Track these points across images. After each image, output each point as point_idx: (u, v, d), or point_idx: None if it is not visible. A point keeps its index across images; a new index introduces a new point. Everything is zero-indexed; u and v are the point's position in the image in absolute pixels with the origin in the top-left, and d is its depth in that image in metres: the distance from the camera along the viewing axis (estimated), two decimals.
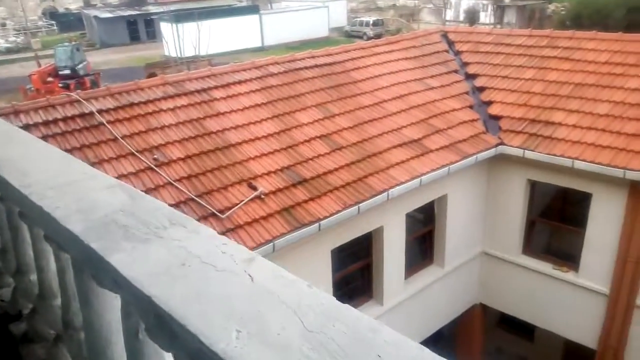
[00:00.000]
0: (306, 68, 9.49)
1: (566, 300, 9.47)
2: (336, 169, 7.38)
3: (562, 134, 8.77)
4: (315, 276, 7.12)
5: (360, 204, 6.92)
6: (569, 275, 9.35)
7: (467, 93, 10.44)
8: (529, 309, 10.16)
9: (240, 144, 7.49)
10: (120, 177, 6.26)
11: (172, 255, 1.24)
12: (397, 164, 7.84)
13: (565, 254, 9.45)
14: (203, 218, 6.19)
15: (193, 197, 6.45)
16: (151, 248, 1.28)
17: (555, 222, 9.64)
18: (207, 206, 6.37)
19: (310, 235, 6.48)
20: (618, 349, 9.01)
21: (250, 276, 1.16)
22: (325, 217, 6.55)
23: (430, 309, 9.68)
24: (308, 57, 9.82)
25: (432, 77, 10.60)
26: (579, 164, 8.25)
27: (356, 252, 8.04)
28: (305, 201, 6.71)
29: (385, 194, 7.22)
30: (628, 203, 8.12)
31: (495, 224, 9.98)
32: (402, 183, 7.49)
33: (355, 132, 8.31)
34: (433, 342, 9.84)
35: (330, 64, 9.81)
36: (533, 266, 9.78)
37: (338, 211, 6.68)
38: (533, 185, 9.39)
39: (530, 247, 9.92)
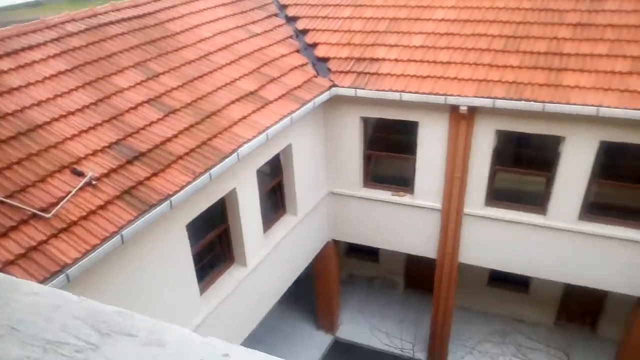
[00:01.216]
0: (112, 23, 8.16)
1: (407, 221, 10.37)
2: (175, 136, 6.61)
3: (387, 69, 9.17)
4: (172, 257, 6.47)
5: (211, 170, 6.35)
6: (407, 199, 10.19)
7: (291, 37, 10.22)
8: (375, 236, 10.93)
9: (49, 123, 6.17)
10: None
11: None
12: (240, 120, 7.36)
13: (401, 181, 10.23)
14: (23, 223, 5.01)
15: (1, 199, 5.16)
16: None
17: (389, 152, 10.27)
18: (24, 207, 5.16)
19: (162, 215, 5.76)
20: (453, 254, 10.27)
21: None
22: (176, 192, 5.87)
23: (291, 257, 9.76)
24: (112, 11, 8.44)
25: (253, 22, 10.09)
26: (406, 96, 8.77)
27: (212, 218, 7.51)
28: (148, 178, 5.89)
29: (235, 154, 6.75)
30: (450, 126, 8.97)
31: (337, 164, 10.28)
32: (249, 140, 7.07)
33: (187, 90, 7.52)
34: (295, 282, 10.05)
35: (140, 17, 8.59)
36: (374, 196, 10.43)
37: (188, 182, 6.03)
38: (366, 122, 9.79)
39: (369, 179, 10.50)
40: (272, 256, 8.87)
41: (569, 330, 9.51)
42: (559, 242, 9.41)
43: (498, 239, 9.85)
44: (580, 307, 11.14)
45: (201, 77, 7.91)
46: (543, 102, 8.04)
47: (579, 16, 9.16)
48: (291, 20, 10.70)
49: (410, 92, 8.74)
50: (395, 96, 8.83)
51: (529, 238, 9.62)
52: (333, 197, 10.74)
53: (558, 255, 9.56)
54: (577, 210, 9.03)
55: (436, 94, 8.61)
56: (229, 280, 8.00)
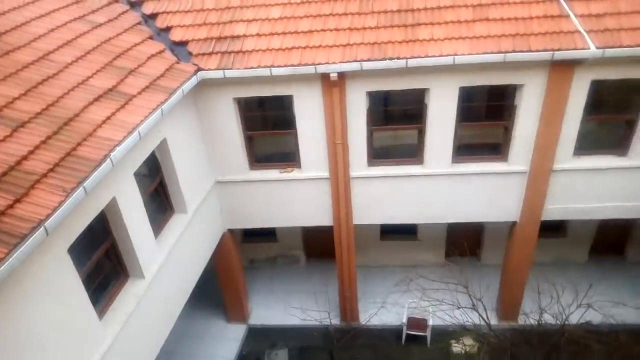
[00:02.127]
0: None
1: (299, 195, 10.39)
2: (31, 152, 5.73)
3: (251, 46, 8.89)
4: (59, 288, 5.69)
5: (85, 183, 5.63)
6: (295, 173, 10.17)
7: (140, 23, 9.40)
8: (271, 216, 10.81)
9: None
10: None
11: None
12: (104, 122, 6.60)
13: (287, 156, 10.15)
14: None
15: None
16: None
17: (270, 130, 10.09)
18: None
19: (38, 244, 4.99)
20: (348, 218, 10.56)
21: None
22: (49, 215, 5.10)
23: (189, 257, 9.26)
24: None
25: (93, 12, 9.07)
26: (277, 71, 8.60)
27: (95, 236, 6.74)
28: (10, 206, 5.04)
29: (107, 161, 6.05)
30: (324, 94, 9.03)
31: (218, 151, 9.87)
32: (120, 142, 6.39)
33: (32, 98, 6.53)
34: (199, 280, 9.63)
35: None
36: (263, 177, 10.25)
37: (61, 202, 5.28)
38: (240, 102, 9.47)
39: (255, 161, 10.27)
40: (169, 261, 8.31)
41: (459, 264, 10.42)
42: (438, 187, 10.15)
43: (385, 195, 10.32)
44: (464, 242, 12.25)
45: (46, 80, 6.93)
46: (405, 58, 8.41)
47: None
48: (136, 4, 9.83)
49: (279, 67, 8.58)
50: (266, 72, 8.62)
51: (412, 188, 10.22)
52: (221, 186, 10.33)
53: (438, 199, 10.31)
54: (450, 155, 9.76)
55: (305, 64, 8.56)
56: (129, 296, 7.33)
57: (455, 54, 8.35)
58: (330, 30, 8.96)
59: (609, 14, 8.54)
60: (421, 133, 9.69)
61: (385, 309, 11.36)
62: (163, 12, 9.61)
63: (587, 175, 9.77)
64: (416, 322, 11.74)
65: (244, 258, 13.81)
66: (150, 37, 9.08)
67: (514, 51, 8.27)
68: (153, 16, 9.60)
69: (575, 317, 8.65)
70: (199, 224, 9.55)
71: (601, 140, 9.73)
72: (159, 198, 8.64)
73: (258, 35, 9.05)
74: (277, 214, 10.75)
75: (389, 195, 10.33)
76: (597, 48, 8.09)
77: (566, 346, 8.11)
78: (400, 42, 8.62)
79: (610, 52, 8.08)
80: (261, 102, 9.68)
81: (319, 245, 13.59)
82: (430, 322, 11.53)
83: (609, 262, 13.36)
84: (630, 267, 13.23)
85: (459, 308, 8.91)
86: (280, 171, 10.22)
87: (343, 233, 10.77)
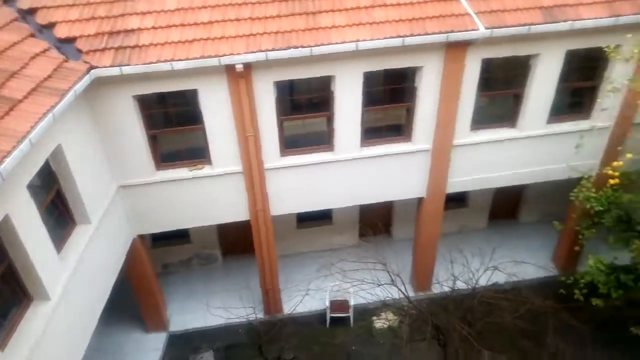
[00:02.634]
0: None
1: (212, 192, 10.08)
2: None
3: (148, 40, 8.38)
4: None
5: None
6: (206, 170, 9.83)
7: (16, 20, 8.45)
8: (184, 217, 10.40)
9: None
10: None
11: None
12: None
13: (196, 153, 9.77)
14: None
15: None
16: None
17: (175, 127, 9.60)
18: None
19: None
20: (265, 210, 10.45)
21: None
22: None
23: (98, 269, 8.64)
24: None
25: None
26: (178, 65, 8.20)
27: None
28: None
29: None
30: (230, 87, 8.77)
31: (120, 154, 9.23)
32: (9, 153, 5.71)
33: None
34: (111, 292, 9.07)
35: None
36: (171, 177, 9.80)
37: None
38: (141, 100, 8.91)
39: (161, 161, 9.76)
40: (76, 276, 7.67)
41: (374, 242, 10.82)
42: (349, 171, 10.38)
43: (300, 184, 10.36)
44: (376, 221, 12.72)
45: None
46: (309, 46, 8.42)
47: None
48: (8, 0, 8.81)
49: (181, 60, 8.19)
50: (166, 67, 8.18)
51: (325, 175, 10.36)
52: (127, 191, 9.70)
53: (351, 183, 10.56)
54: (358, 139, 10.00)
55: (209, 56, 8.25)
56: (34, 320, 6.66)
57: (358, 40, 8.51)
58: (231, 21, 8.70)
59: None
60: (330, 120, 9.81)
61: (309, 295, 11.48)
62: (43, 7, 8.71)
63: (483, 147, 10.54)
64: (339, 305, 12.00)
65: (157, 264, 13.17)
66: (32, 35, 8.19)
67: (412, 35, 8.62)
68: (31, 11, 8.66)
69: (483, 280, 9.34)
70: (105, 234, 8.91)
71: (494, 114, 10.53)
72: (58, 210, 7.91)
73: (154, 28, 8.54)
74: (190, 215, 10.35)
75: (303, 184, 10.37)
76: (486, 28, 8.69)
77: (478, 307, 8.74)
78: (303, 31, 8.60)
79: (497, 32, 8.72)
80: (164, 98, 9.18)
81: (235, 241, 13.34)
82: (352, 303, 11.85)
83: (505, 225, 14.62)
84: (523, 228, 14.60)
85: (379, 285, 9.22)
86: (189, 169, 9.82)
87: (261, 226, 10.65)
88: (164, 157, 9.78)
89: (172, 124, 9.61)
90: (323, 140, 10.12)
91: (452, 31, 8.68)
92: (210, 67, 8.34)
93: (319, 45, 8.45)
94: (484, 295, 8.74)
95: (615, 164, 9.15)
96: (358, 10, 8.91)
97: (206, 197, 10.16)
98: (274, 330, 10.42)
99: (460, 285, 9.36)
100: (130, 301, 11.45)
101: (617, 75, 9.52)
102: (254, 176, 9.86)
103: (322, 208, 11.25)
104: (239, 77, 8.61)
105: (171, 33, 8.48)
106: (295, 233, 13.72)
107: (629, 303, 9.74)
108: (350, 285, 10.65)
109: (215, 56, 8.26)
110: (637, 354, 10.51)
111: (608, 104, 10.13)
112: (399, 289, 9.16)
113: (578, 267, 12.29)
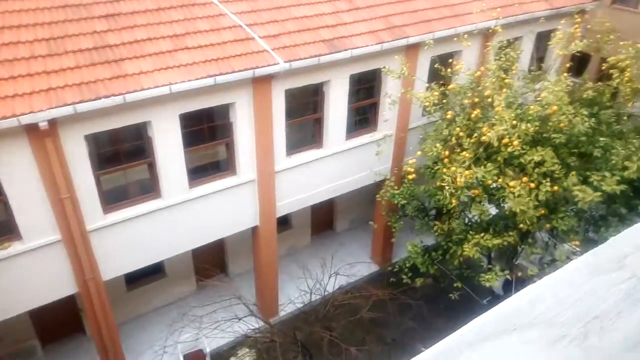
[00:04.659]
0: None
1: (25, 272, 8.74)
2: None
3: None
4: None
5: None
6: (17, 247, 8.52)
7: None
8: None
9: None
10: None
11: None
12: None
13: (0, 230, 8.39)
14: None
15: None
16: None
17: None
18: None
19: None
20: (95, 276, 9.45)
21: None
22: None
23: None
24: None
25: None
26: None
27: None
28: None
29: None
30: (34, 148, 7.85)
31: None
32: None
33: None
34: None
35: None
36: None
37: None
38: None
39: None
40: None
41: (213, 284, 10.78)
42: (181, 215, 10.15)
43: (130, 238, 9.71)
44: (211, 260, 12.59)
45: None
46: (121, 94, 8.12)
47: (105, 8, 9.42)
48: None
49: None
50: None
51: (155, 224, 9.93)
52: None
53: (184, 227, 10.31)
54: (185, 181, 9.90)
55: (3, 117, 7.28)
56: None
57: (171, 84, 8.54)
58: (23, 77, 7.83)
59: (282, 33, 10.22)
60: (151, 166, 9.51)
61: (167, 353, 10.64)
62: None
63: (300, 169, 11.47)
64: (193, 356, 11.46)
65: None
66: None
67: (222, 74, 9.02)
68: None
69: (330, 288, 10.13)
70: None
71: (304, 138, 11.58)
72: None
73: None
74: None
75: (134, 238, 9.75)
76: (285, 62, 9.61)
77: (335, 312, 9.46)
78: (110, 79, 8.24)
79: (295, 63, 9.71)
80: None
81: (56, 324, 11.61)
82: (208, 350, 11.44)
83: (326, 237, 15.93)
84: (339, 236, 16.12)
85: (240, 319, 9.22)
86: None
87: (94, 295, 9.57)
88: None
89: None
90: (148, 188, 9.72)
91: (257, 67, 9.36)
92: (8, 129, 7.36)
93: (131, 92, 8.21)
94: (336, 299, 9.49)
95: (410, 161, 10.96)
96: (162, 55, 8.93)
97: (17, 279, 8.75)
98: None
99: (314, 297, 9.97)
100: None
101: (391, 90, 11.48)
102: (76, 242, 8.89)
103: (159, 259, 10.71)
104: (44, 136, 7.77)
105: None
106: (126, 296, 12.61)
107: (442, 275, 11.67)
108: (205, 333, 10.31)
109: (13, 116, 7.33)
110: (458, 314, 12.60)
111: (389, 116, 12.09)
112: (259, 318, 9.30)
113: (393, 258, 14.14)
